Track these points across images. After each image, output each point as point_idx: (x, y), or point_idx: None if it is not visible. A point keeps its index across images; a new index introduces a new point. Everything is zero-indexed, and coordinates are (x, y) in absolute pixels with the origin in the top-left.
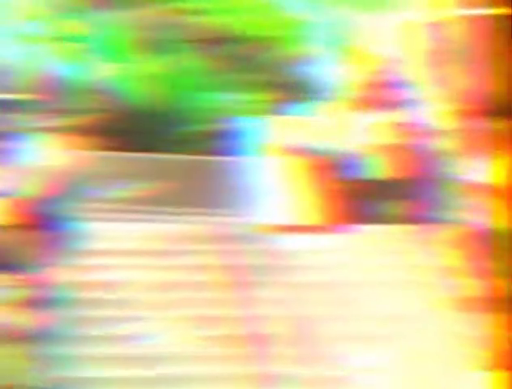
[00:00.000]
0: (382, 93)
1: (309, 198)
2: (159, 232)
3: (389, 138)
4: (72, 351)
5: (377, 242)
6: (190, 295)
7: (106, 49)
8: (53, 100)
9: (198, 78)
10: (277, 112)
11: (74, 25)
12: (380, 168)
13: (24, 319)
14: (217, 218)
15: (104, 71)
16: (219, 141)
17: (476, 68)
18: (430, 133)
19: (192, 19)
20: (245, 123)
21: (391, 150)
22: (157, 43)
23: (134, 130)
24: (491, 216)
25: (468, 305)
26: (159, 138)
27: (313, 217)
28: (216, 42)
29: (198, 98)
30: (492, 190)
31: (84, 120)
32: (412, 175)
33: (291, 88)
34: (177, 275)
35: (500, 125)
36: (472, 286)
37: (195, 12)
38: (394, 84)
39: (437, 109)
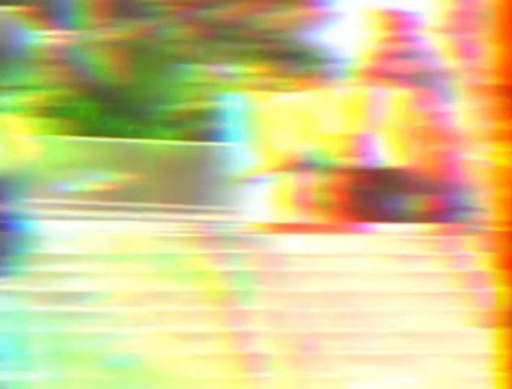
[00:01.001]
0: (400, 64)
1: (311, 189)
2: (131, 233)
3: (408, 118)
4: (29, 376)
5: (393, 245)
6: (170, 308)
7: (64, 12)
8: None
9: (176, 47)
10: (271, 88)
11: None
12: (396, 156)
13: None
14: (201, 216)
15: (61, 39)
16: (203, 123)
17: (505, 36)
18: (453, 112)
19: None
20: (233, 102)
21: (410, 132)
22: (127, 5)
23: (100, 109)
24: None
25: (498, 319)
26: (130, 120)
27: (315, 214)
28: (198, 5)
29: (176, 71)
30: None
31: (39, 97)
32: (435, 163)
33: (288, 59)
34: (153, 285)
35: None
36: (505, 297)
37: None
38: (414, 54)
39: (460, 82)
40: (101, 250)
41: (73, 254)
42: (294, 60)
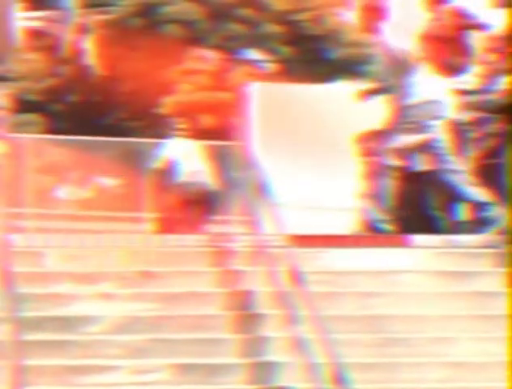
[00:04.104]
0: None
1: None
2: (132, 247)
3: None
4: None
5: (436, 260)
6: (181, 336)
7: None
8: None
9: (179, 28)
10: (294, 76)
11: None
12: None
13: None
14: (216, 226)
15: (46, 22)
16: (213, 118)
17: None
18: None
19: None
20: (250, 93)
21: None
22: None
23: (91, 104)
24: None
25: None
26: (127, 116)
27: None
28: None
29: (180, 57)
30: None
31: (19, 90)
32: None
33: (313, 43)
34: (159, 308)
35: None
36: None
37: None
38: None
39: None
40: (95, 267)
41: (60, 273)
42: (320, 44)
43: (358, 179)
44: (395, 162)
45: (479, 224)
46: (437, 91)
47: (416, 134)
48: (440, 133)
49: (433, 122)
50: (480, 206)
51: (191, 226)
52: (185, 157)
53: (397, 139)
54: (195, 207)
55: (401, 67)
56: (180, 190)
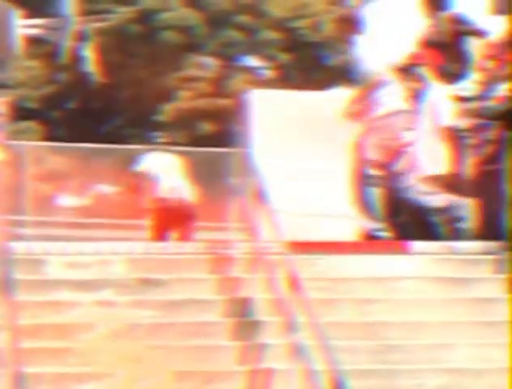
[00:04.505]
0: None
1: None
2: (129, 254)
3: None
4: None
5: (435, 266)
6: (181, 343)
7: None
8: None
9: (177, 35)
10: (292, 83)
11: None
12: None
13: None
14: (216, 233)
15: (43, 29)
16: (211, 125)
17: None
18: None
19: None
20: (248, 100)
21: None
22: None
23: (89, 111)
24: None
25: None
26: (124, 123)
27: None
28: None
29: (178, 64)
30: None
31: (18, 97)
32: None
33: (312, 50)
34: (158, 315)
35: None
36: None
37: None
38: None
39: None
40: (93, 274)
41: (60, 280)
42: (318, 51)
43: (350, 187)
44: (376, 172)
45: (448, 229)
46: (407, 102)
47: (386, 147)
48: (409, 144)
49: (403, 134)
50: (442, 212)
51: (164, 237)
52: (165, 172)
53: (372, 151)
54: (171, 220)
55: (369, 79)
56: (157, 203)
